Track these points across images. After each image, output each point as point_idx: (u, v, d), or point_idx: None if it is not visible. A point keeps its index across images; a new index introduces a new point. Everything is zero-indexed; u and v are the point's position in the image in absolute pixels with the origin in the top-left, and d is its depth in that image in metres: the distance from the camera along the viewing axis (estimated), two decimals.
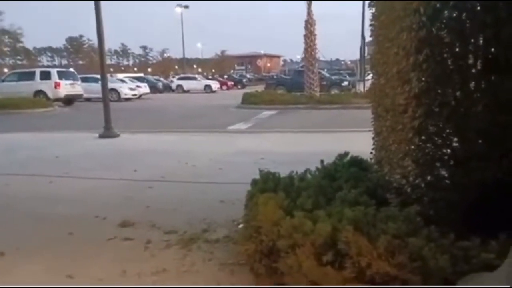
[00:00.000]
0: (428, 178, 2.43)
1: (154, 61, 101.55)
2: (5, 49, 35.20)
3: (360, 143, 3.56)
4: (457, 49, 2.41)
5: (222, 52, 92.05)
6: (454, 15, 2.37)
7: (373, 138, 3.44)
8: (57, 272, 2.72)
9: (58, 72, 21.44)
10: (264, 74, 64.76)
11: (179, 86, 38.01)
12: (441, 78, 2.37)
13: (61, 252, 3.06)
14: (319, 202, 2.49)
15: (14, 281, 2.64)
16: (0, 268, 2.83)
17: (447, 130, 2.45)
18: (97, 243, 3.22)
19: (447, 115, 2.37)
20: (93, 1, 9.20)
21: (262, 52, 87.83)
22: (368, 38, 3.70)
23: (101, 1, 9.22)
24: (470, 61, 2.46)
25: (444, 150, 2.46)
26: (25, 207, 4.20)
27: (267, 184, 2.84)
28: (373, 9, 3.29)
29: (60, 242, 3.25)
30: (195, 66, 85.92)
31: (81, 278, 2.64)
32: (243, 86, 42.81)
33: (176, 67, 78.63)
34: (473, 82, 2.44)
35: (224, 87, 41.43)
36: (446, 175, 2.46)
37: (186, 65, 62.05)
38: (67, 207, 4.18)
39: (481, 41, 2.44)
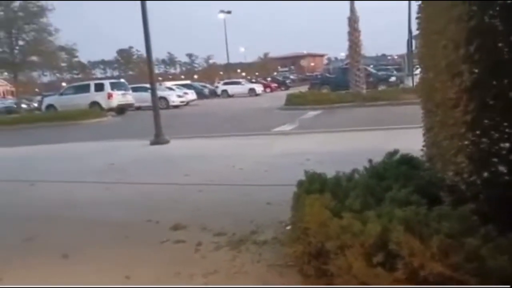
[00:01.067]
0: (485, 174, 2.31)
1: (200, 68, 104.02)
2: (63, 64, 37.59)
3: (410, 140, 3.44)
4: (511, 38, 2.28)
5: (265, 54, 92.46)
6: (508, 2, 2.24)
7: (423, 134, 3.32)
8: (116, 273, 2.87)
9: (110, 83, 22.61)
10: (307, 74, 64.29)
11: (224, 91, 38.67)
12: (496, 68, 2.24)
13: (119, 254, 3.23)
14: (368, 203, 2.44)
15: (77, 279, 2.82)
16: (65, 269, 3.04)
17: (505, 123, 2.32)
18: (151, 245, 3.36)
19: (504, 107, 2.25)
20: (140, 13, 9.60)
21: (305, 51, 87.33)
22: (415, 31, 3.56)
23: (148, 12, 9.59)
24: None
25: (502, 145, 2.33)
26: (83, 213, 4.47)
27: (313, 185, 2.83)
28: (419, 1, 3.18)
29: (117, 245, 3.43)
30: (239, 70, 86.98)
31: (138, 279, 2.77)
32: (287, 87, 42.76)
33: (221, 72, 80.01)
34: None
35: (268, 90, 41.60)
36: (504, 171, 2.33)
37: (230, 70, 63.05)
38: (122, 212, 4.39)
39: None
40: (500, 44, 2.28)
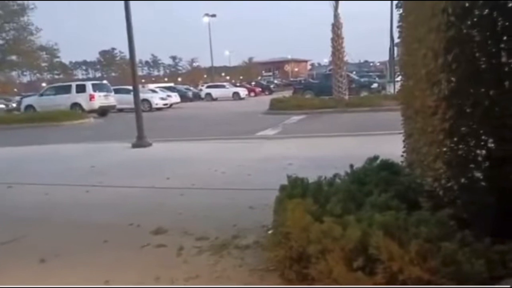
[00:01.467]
0: (462, 180, 2.37)
1: (184, 71, 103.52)
2: (43, 64, 36.88)
3: (391, 146, 3.51)
4: (489, 48, 2.35)
5: (250, 59, 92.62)
6: (485, 13, 2.31)
7: (404, 140, 3.38)
8: (95, 278, 2.82)
9: (92, 84, 22.25)
10: (291, 79, 64.65)
11: (208, 94, 38.55)
12: (473, 77, 2.31)
13: (98, 259, 3.17)
14: (348, 207, 2.47)
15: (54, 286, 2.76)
16: (41, 275, 2.97)
17: (481, 131, 2.38)
18: (132, 249, 3.32)
19: (481, 115, 2.31)
20: (123, 14, 9.50)
21: (289, 57, 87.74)
22: (397, 39, 3.65)
23: (131, 13, 9.50)
24: (503, 59, 2.38)
25: (478, 151, 2.40)
26: (63, 216, 4.38)
27: (295, 189, 2.84)
28: (401, 10, 3.25)
29: (96, 249, 3.37)
30: (223, 74, 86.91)
31: (118, 284, 2.73)
32: (271, 92, 42.88)
33: (205, 75, 79.79)
34: (508, 81, 2.36)
35: (252, 94, 41.65)
36: (481, 177, 2.39)
37: (214, 73, 62.92)
38: (102, 215, 4.32)
39: None
40: (477, 54, 2.35)
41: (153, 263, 3.04)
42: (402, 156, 3.36)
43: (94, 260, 3.15)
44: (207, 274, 2.79)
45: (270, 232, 3.16)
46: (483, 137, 2.38)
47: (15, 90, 60.34)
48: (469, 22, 2.29)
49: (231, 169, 6.25)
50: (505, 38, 2.33)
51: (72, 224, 4.08)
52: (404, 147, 3.33)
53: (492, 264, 1.90)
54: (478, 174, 2.38)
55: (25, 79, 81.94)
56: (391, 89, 20.43)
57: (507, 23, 2.30)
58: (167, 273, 2.83)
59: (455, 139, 2.33)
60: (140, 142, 9.32)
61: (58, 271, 3.01)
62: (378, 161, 3.42)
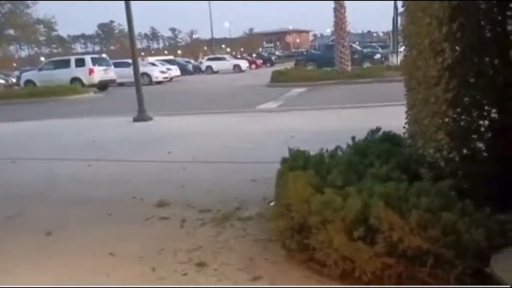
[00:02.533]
0: (464, 151, 2.36)
1: (184, 43, 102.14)
2: (41, 38, 36.37)
3: (394, 118, 3.47)
4: (494, 16, 2.29)
5: (250, 30, 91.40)
6: None
7: (406, 111, 3.35)
8: (100, 250, 2.88)
9: (91, 58, 22.02)
10: (293, 50, 63.76)
11: (208, 67, 38.12)
12: (477, 47, 2.26)
13: (102, 232, 3.23)
14: (349, 179, 2.48)
15: (61, 257, 2.82)
16: (48, 246, 3.03)
17: (484, 101, 2.36)
18: (136, 222, 3.37)
19: (484, 86, 2.28)
20: None
21: (290, 27, 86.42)
22: (400, 8, 3.55)
23: None
24: (509, 28, 2.33)
25: (481, 122, 2.38)
26: (67, 190, 4.43)
27: (296, 162, 2.85)
28: None
29: (101, 222, 3.42)
30: (223, 46, 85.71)
31: (122, 256, 2.78)
32: (272, 64, 42.39)
33: (205, 48, 78.73)
34: None
35: (253, 66, 41.19)
36: (483, 148, 2.38)
37: (214, 45, 62.07)
38: (105, 189, 4.37)
39: None
40: (482, 22, 2.29)
41: (156, 235, 3.09)
42: (404, 127, 3.34)
43: (99, 233, 3.21)
44: (209, 245, 2.84)
45: (272, 204, 3.19)
46: (486, 108, 2.36)
47: (14, 64, 59.78)
48: None
49: (233, 142, 6.26)
50: (511, 5, 2.27)
51: (76, 198, 4.13)
52: (406, 118, 3.31)
53: (491, 233, 1.92)
54: (480, 145, 2.38)
55: (23, 53, 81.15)
56: (394, 60, 20.12)
57: None
58: (171, 244, 2.88)
59: (458, 109, 2.30)
60: (141, 116, 9.30)
61: (64, 243, 3.07)
62: (380, 133, 3.41)
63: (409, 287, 2.01)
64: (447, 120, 2.35)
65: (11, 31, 28.00)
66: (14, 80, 30.75)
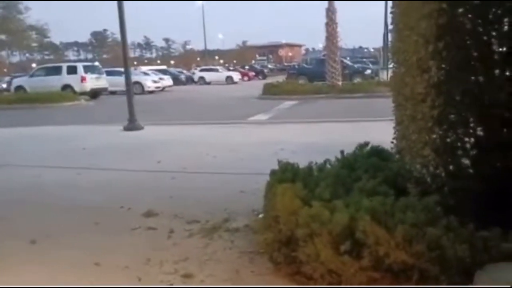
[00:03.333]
0: (450, 167, 2.40)
1: (177, 54, 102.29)
2: (33, 44, 36.18)
3: (383, 133, 3.52)
4: (480, 36, 2.35)
5: (244, 42, 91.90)
6: (477, 1, 2.31)
7: (394, 127, 3.40)
8: (85, 259, 2.84)
9: (84, 66, 21.93)
10: (285, 63, 64.26)
11: (201, 78, 38.20)
12: (463, 65, 2.32)
13: (88, 241, 3.19)
14: (337, 192, 2.50)
15: (45, 267, 2.77)
16: (32, 255, 2.98)
17: (470, 119, 2.41)
18: (122, 232, 3.34)
19: (470, 104, 2.33)
20: None
21: (283, 41, 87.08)
22: (391, 25, 3.62)
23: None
24: (494, 48, 2.39)
25: (467, 139, 2.42)
26: (54, 198, 4.37)
27: (285, 174, 2.86)
28: None
29: (87, 231, 3.38)
30: (216, 57, 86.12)
31: (108, 266, 2.75)
32: (264, 77, 42.60)
33: (198, 59, 78.96)
34: (498, 69, 2.38)
35: (246, 78, 41.33)
36: (468, 165, 2.42)
37: (207, 56, 62.34)
38: (93, 197, 4.33)
39: (506, 27, 2.37)
40: (468, 42, 2.35)
41: (143, 246, 3.06)
42: (392, 142, 3.38)
43: (84, 242, 3.17)
44: (196, 256, 2.82)
45: (260, 216, 3.20)
46: (471, 125, 2.41)
47: (5, 70, 59.23)
48: (460, 10, 2.29)
49: (223, 153, 6.26)
50: (496, 26, 2.34)
51: (63, 206, 4.08)
52: (394, 133, 3.35)
53: (475, 249, 1.94)
54: (466, 162, 2.42)
55: (15, 59, 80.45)
56: (384, 76, 20.39)
57: (499, 11, 2.30)
58: (157, 255, 2.85)
59: (444, 126, 2.34)
60: (132, 125, 9.27)
61: (48, 252, 3.02)
62: (368, 147, 3.44)
63: (409, 287, 2.01)
64: (433, 136, 2.39)
65: (3, 36, 27.83)
66: (4, 85, 30.43)
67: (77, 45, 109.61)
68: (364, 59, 39.04)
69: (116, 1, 9.34)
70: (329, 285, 2.20)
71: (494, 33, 2.37)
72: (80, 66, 21.84)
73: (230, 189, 4.34)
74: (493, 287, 1.61)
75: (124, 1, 9.36)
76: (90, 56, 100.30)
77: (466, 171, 2.41)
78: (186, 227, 3.35)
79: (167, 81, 29.34)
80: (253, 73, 44.91)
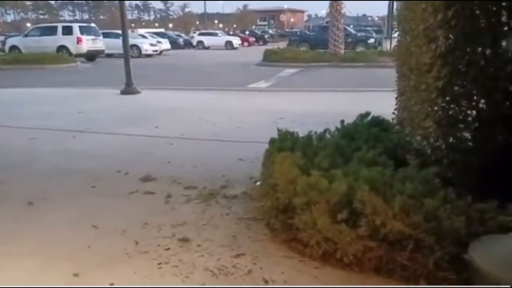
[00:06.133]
0: (450, 140, 2.38)
1: (175, 16, 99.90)
2: (28, 3, 35.15)
3: (384, 103, 3.48)
4: (489, 5, 2.27)
5: (244, 6, 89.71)
6: None
7: (396, 98, 3.36)
8: (83, 222, 2.86)
9: (80, 27, 21.37)
10: (287, 29, 62.99)
11: (200, 42, 37.52)
12: (471, 35, 2.26)
13: (86, 204, 3.20)
14: (336, 162, 2.50)
15: (43, 227, 2.79)
16: (30, 216, 3.00)
17: (474, 91, 2.37)
18: (120, 196, 3.35)
19: (475, 75, 2.29)
20: None
21: (285, 6, 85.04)
22: None
23: None
24: (503, 19, 2.32)
25: (469, 112, 2.39)
26: (50, 161, 4.36)
27: (284, 143, 2.85)
28: None
29: (84, 195, 3.40)
30: (216, 21, 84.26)
31: (105, 229, 2.77)
32: (265, 42, 41.89)
33: (197, 22, 77.29)
34: (505, 41, 2.32)
35: (246, 44, 40.64)
36: (468, 138, 2.41)
37: (207, 20, 60.93)
38: (90, 161, 4.32)
39: None
40: (477, 11, 2.27)
41: (140, 210, 3.08)
42: (393, 113, 3.35)
43: (81, 204, 3.19)
44: (194, 221, 2.85)
45: (258, 183, 3.20)
46: (475, 98, 2.37)
47: None
48: None
49: (222, 120, 6.22)
50: None
51: (59, 169, 4.07)
52: (396, 104, 3.32)
53: (471, 221, 1.96)
54: (467, 135, 2.40)
55: (9, 18, 78.49)
56: (387, 45, 20.06)
57: None
58: (155, 219, 2.88)
59: (447, 98, 2.31)
60: (129, 89, 9.15)
61: (46, 213, 3.04)
62: (369, 118, 3.42)
63: (409, 287, 2.05)
64: (436, 108, 2.36)
65: None
66: None
67: (73, 5, 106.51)
68: (368, 28, 38.30)
69: None
70: (324, 252, 2.23)
71: (503, 3, 2.29)
72: (76, 26, 21.29)
73: (229, 156, 4.33)
74: (494, 287, 1.61)
75: None
76: (86, 17, 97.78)
77: (466, 144, 2.40)
78: (184, 193, 3.36)
79: (165, 44, 28.83)
80: (254, 39, 44.10)
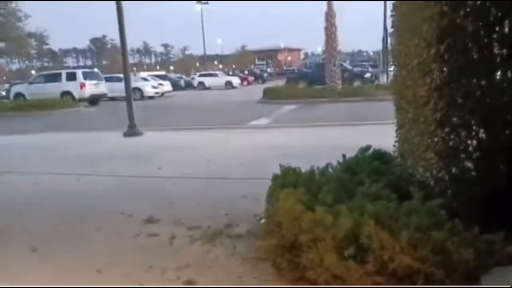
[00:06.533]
0: (453, 170, 2.38)
1: (176, 59, 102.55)
2: (32, 51, 36.23)
3: (384, 136, 3.51)
4: (481, 38, 2.35)
5: (243, 47, 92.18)
6: (478, 3, 2.31)
7: (396, 130, 3.40)
8: (87, 267, 2.82)
9: (83, 73, 21.98)
10: (285, 68, 64.37)
11: (200, 83, 38.29)
12: (465, 68, 2.31)
13: (90, 248, 3.16)
14: (340, 197, 2.49)
15: (46, 276, 2.75)
16: (32, 263, 2.96)
17: (472, 122, 2.40)
18: (124, 239, 3.31)
19: (472, 106, 2.32)
20: (114, 2, 9.36)
21: (282, 45, 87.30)
22: (390, 29, 3.63)
23: (123, 1, 9.37)
24: (496, 50, 2.39)
25: (469, 142, 2.41)
26: (54, 205, 4.35)
27: (287, 179, 2.85)
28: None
29: (88, 238, 3.36)
30: (216, 62, 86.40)
31: (109, 273, 2.73)
32: (264, 81, 42.70)
33: (198, 64, 79.19)
34: (499, 72, 2.37)
35: (245, 83, 41.43)
36: (471, 167, 2.41)
37: (207, 61, 62.46)
38: (94, 204, 4.30)
39: (506, 30, 2.37)
40: (469, 44, 2.34)
41: (145, 252, 3.04)
42: (394, 146, 3.37)
43: (86, 249, 3.15)
44: (198, 263, 2.80)
45: (262, 221, 3.18)
46: (474, 128, 2.40)
47: (4, 77, 59.38)
48: (462, 12, 2.28)
49: (224, 158, 6.24)
50: (497, 28, 2.33)
51: (63, 212, 4.05)
52: (396, 137, 3.35)
53: (480, 253, 1.92)
54: (469, 164, 2.40)
55: (14, 66, 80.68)
56: (384, 79, 20.43)
57: (499, 13, 2.30)
58: (159, 262, 2.83)
59: (447, 129, 2.34)
60: (132, 131, 9.26)
61: (49, 260, 2.99)
62: (370, 151, 3.43)
63: (409, 287, 1.99)
64: (436, 139, 2.38)
65: (2, 44, 27.84)
66: (3, 93, 30.48)
67: (76, 52, 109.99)
68: (364, 63, 39.11)
69: (115, 1, 9.32)
70: None
71: (495, 36, 2.37)
72: (79, 72, 21.90)
73: (232, 194, 4.32)
74: (497, 287, 1.58)
75: (123, 1, 9.33)
76: (89, 62, 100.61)
77: (469, 174, 2.40)
78: (188, 233, 3.32)
79: (167, 86, 29.42)
80: (253, 78, 45.02)
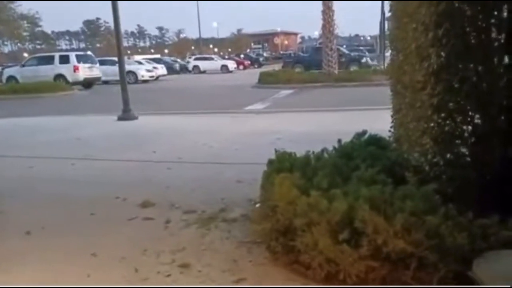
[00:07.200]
0: (448, 155, 2.39)
1: (171, 42, 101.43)
2: (24, 34, 35.61)
3: (380, 121, 3.51)
4: (479, 23, 2.32)
5: (238, 30, 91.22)
6: None
7: (392, 115, 3.39)
8: (82, 250, 2.82)
9: (76, 55, 21.66)
10: (281, 52, 63.93)
11: (195, 66, 37.93)
12: (462, 53, 2.29)
13: (84, 232, 3.16)
14: (335, 181, 2.49)
15: (41, 259, 2.75)
16: (27, 247, 2.96)
17: (468, 107, 2.39)
18: (119, 223, 3.32)
19: (468, 91, 2.31)
20: None
21: (278, 29, 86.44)
22: (388, 13, 3.60)
23: None
24: (493, 35, 2.37)
25: (465, 127, 2.41)
26: (48, 189, 4.33)
27: (283, 164, 2.85)
28: None
29: (83, 222, 3.36)
30: (211, 46, 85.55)
31: (104, 256, 2.73)
32: (260, 65, 42.42)
33: (193, 47, 78.36)
34: (496, 57, 2.36)
35: (241, 67, 41.11)
36: (466, 153, 2.42)
37: (202, 45, 61.83)
38: (88, 188, 4.29)
39: (505, 14, 2.34)
40: (467, 29, 2.32)
41: (139, 236, 3.04)
42: (389, 131, 3.37)
43: (80, 233, 3.15)
44: (194, 247, 2.81)
45: (257, 205, 3.18)
46: (470, 113, 2.39)
47: None
48: None
49: (219, 143, 6.23)
50: (495, 13, 2.31)
51: (58, 197, 4.04)
52: (392, 122, 3.34)
53: (474, 237, 1.94)
54: (464, 150, 2.41)
55: (6, 49, 79.50)
56: (380, 64, 20.34)
57: None
58: (154, 245, 2.84)
59: (443, 114, 2.33)
60: (126, 115, 9.19)
61: (43, 243, 2.99)
62: (365, 136, 3.43)
63: (409, 287, 2.01)
64: (432, 124, 2.37)
65: None
66: None
67: (69, 34, 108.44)
68: (361, 47, 38.88)
69: None
70: (327, 274, 2.20)
71: (493, 20, 2.34)
72: (72, 55, 21.59)
73: (227, 179, 4.32)
74: (494, 287, 1.60)
75: None
76: (82, 45, 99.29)
77: (464, 159, 2.41)
78: (183, 217, 3.33)
79: (161, 70, 29.14)
80: (249, 62, 44.64)
